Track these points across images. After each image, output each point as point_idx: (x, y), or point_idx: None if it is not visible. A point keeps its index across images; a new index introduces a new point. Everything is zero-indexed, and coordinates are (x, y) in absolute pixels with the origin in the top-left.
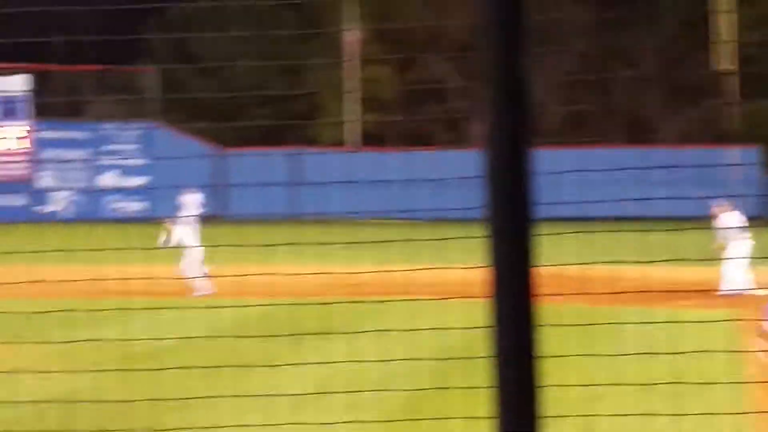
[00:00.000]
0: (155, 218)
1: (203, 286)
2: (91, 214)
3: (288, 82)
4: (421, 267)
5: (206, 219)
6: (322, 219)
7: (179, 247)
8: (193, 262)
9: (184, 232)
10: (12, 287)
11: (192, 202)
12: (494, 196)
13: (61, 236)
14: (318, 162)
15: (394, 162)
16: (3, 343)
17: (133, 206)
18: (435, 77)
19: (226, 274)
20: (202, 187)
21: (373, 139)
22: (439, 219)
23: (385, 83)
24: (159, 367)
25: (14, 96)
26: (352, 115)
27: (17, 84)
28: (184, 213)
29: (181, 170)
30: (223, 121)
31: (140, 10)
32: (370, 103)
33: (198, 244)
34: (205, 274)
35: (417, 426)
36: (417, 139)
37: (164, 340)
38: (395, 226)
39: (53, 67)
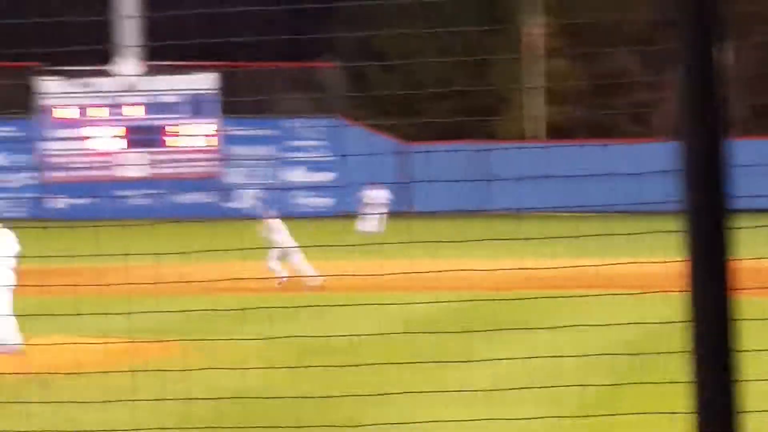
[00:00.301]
0: (342, 214)
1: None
2: (277, 210)
3: (471, 75)
4: (615, 261)
5: (393, 214)
6: (511, 213)
7: (268, 242)
8: (276, 257)
9: (274, 227)
10: (200, 284)
11: (377, 197)
12: (691, 188)
13: (251, 232)
14: (504, 156)
15: (582, 155)
16: (197, 340)
17: (319, 202)
18: (619, 69)
19: (419, 270)
20: (387, 183)
21: (557, 132)
22: (632, 212)
23: (568, 76)
24: (355, 362)
25: (202, 94)
26: (536, 109)
27: (205, 82)
28: (368, 209)
29: (366, 166)
30: (406, 116)
31: (325, 6)
32: (553, 96)
33: (286, 240)
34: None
35: (612, 420)
36: (601, 131)
37: (359, 336)
38: (587, 219)
39: (240, 64)
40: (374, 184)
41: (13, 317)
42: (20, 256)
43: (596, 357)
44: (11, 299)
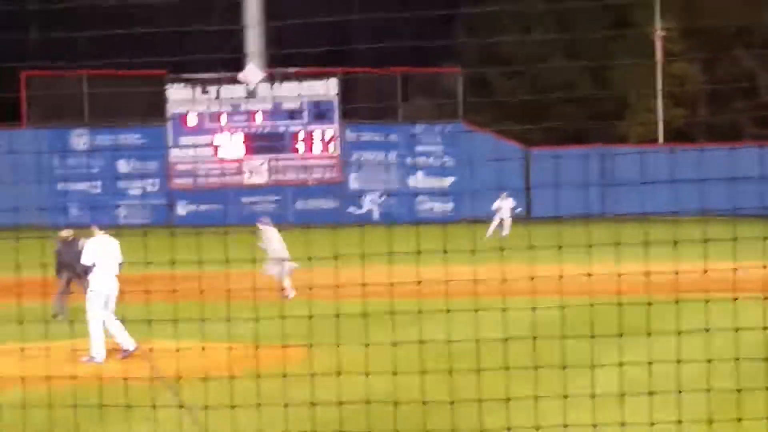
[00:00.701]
0: (465, 219)
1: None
2: (401, 215)
3: (595, 79)
4: (741, 265)
5: (516, 219)
6: (635, 217)
7: (265, 250)
8: (275, 265)
9: (270, 235)
10: (335, 289)
11: (504, 206)
12: None
13: (375, 237)
14: (628, 160)
15: (706, 158)
16: (327, 344)
17: (442, 207)
18: (744, 72)
19: (544, 275)
20: (512, 189)
21: (680, 135)
22: (758, 215)
23: (691, 79)
24: (479, 367)
25: (325, 100)
26: (660, 113)
27: (327, 88)
28: (497, 215)
29: (489, 170)
30: (529, 121)
31: (448, 12)
32: (677, 99)
33: (281, 248)
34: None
35: (738, 425)
36: (725, 135)
37: (485, 340)
38: (712, 222)
39: (361, 70)
40: (501, 190)
41: (120, 323)
42: (125, 263)
43: (722, 362)
44: (113, 306)
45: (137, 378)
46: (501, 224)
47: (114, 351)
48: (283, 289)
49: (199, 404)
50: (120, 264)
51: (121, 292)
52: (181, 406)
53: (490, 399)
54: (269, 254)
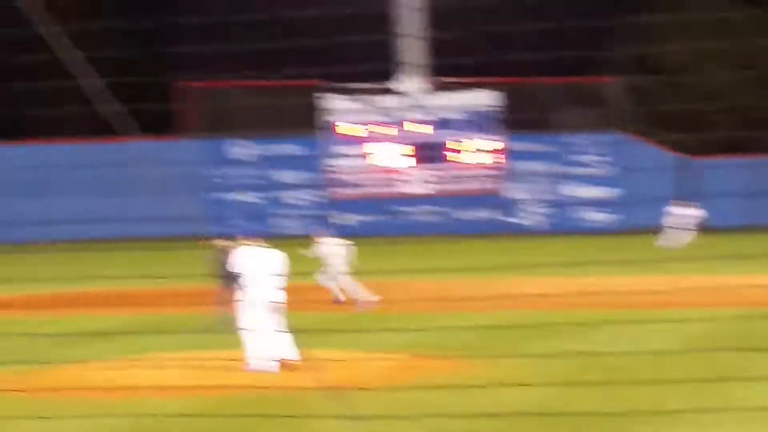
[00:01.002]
0: (623, 229)
1: (339, 298)
2: (560, 225)
3: (755, 87)
4: None
5: (700, 230)
6: None
7: (322, 260)
8: (333, 278)
9: (331, 248)
10: (487, 301)
11: (686, 214)
12: None
13: (533, 248)
14: None
15: None
16: (480, 356)
17: (603, 217)
18: None
19: (698, 285)
20: (669, 198)
21: None
22: None
23: None
24: (634, 379)
25: (485, 110)
26: None
27: (488, 98)
28: (672, 224)
29: (648, 180)
30: (688, 130)
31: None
32: None
33: (343, 262)
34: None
35: None
36: None
37: (640, 353)
38: None
39: (519, 79)
40: (680, 200)
41: (288, 334)
42: (289, 275)
43: None
44: (278, 317)
45: (300, 388)
46: (668, 232)
47: (276, 361)
48: (337, 300)
49: (361, 414)
50: (281, 276)
51: (286, 303)
52: (344, 417)
53: (646, 411)
54: (328, 267)
